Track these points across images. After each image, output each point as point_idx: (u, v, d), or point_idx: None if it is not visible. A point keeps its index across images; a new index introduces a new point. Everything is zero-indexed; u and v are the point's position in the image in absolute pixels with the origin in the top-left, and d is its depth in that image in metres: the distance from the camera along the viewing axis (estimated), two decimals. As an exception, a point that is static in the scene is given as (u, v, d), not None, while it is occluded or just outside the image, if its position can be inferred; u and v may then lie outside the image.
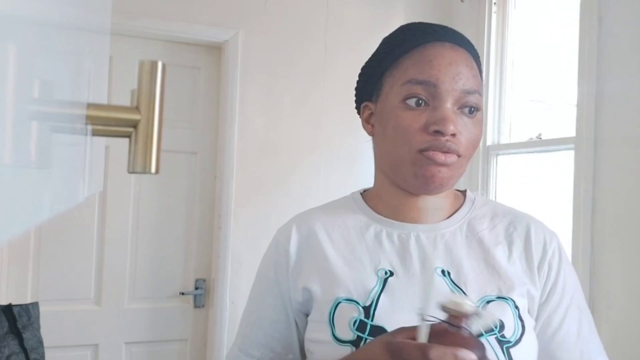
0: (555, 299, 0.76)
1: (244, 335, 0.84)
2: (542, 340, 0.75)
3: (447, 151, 0.70)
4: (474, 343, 0.56)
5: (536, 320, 0.76)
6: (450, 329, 0.56)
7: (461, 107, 0.71)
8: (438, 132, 0.69)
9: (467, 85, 0.71)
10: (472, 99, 0.71)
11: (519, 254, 0.77)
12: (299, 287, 0.77)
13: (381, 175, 0.81)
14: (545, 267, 0.76)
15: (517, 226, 0.79)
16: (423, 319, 0.58)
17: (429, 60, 0.72)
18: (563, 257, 0.79)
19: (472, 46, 0.78)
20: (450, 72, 0.71)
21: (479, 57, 0.79)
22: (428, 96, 0.71)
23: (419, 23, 0.78)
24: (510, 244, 0.78)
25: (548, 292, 0.76)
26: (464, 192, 0.85)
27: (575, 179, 1.89)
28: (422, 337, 0.56)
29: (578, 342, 0.76)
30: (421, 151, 0.71)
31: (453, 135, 0.70)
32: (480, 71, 0.77)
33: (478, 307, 0.58)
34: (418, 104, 0.71)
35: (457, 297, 0.57)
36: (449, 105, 0.70)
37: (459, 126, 0.71)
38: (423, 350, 0.54)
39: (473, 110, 0.72)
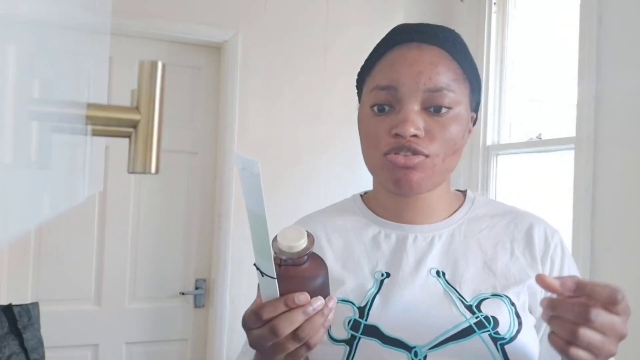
0: None
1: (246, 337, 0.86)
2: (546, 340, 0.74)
3: (408, 153, 0.70)
4: (313, 269, 0.59)
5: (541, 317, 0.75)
6: (282, 270, 0.58)
7: (427, 108, 0.71)
8: (398, 135, 0.70)
9: (431, 83, 0.70)
10: (438, 98, 0.70)
11: (521, 250, 0.76)
12: None
13: (375, 178, 0.82)
14: (548, 262, 0.76)
15: (518, 223, 0.79)
16: (261, 274, 0.58)
17: (391, 64, 0.73)
18: (566, 253, 0.78)
19: (453, 40, 0.75)
20: (411, 73, 0.71)
21: (462, 51, 0.76)
22: (392, 100, 0.72)
23: (401, 25, 0.78)
24: (512, 241, 0.77)
25: None
26: (464, 193, 0.85)
27: (575, 179, 1.89)
28: (265, 292, 0.58)
29: None
30: (385, 154, 0.72)
31: (415, 136, 0.70)
32: (466, 66, 0.75)
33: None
34: (382, 110, 0.73)
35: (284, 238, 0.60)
36: (411, 106, 0.70)
37: (426, 126, 0.71)
38: (257, 314, 0.58)
39: (440, 109, 0.71)
